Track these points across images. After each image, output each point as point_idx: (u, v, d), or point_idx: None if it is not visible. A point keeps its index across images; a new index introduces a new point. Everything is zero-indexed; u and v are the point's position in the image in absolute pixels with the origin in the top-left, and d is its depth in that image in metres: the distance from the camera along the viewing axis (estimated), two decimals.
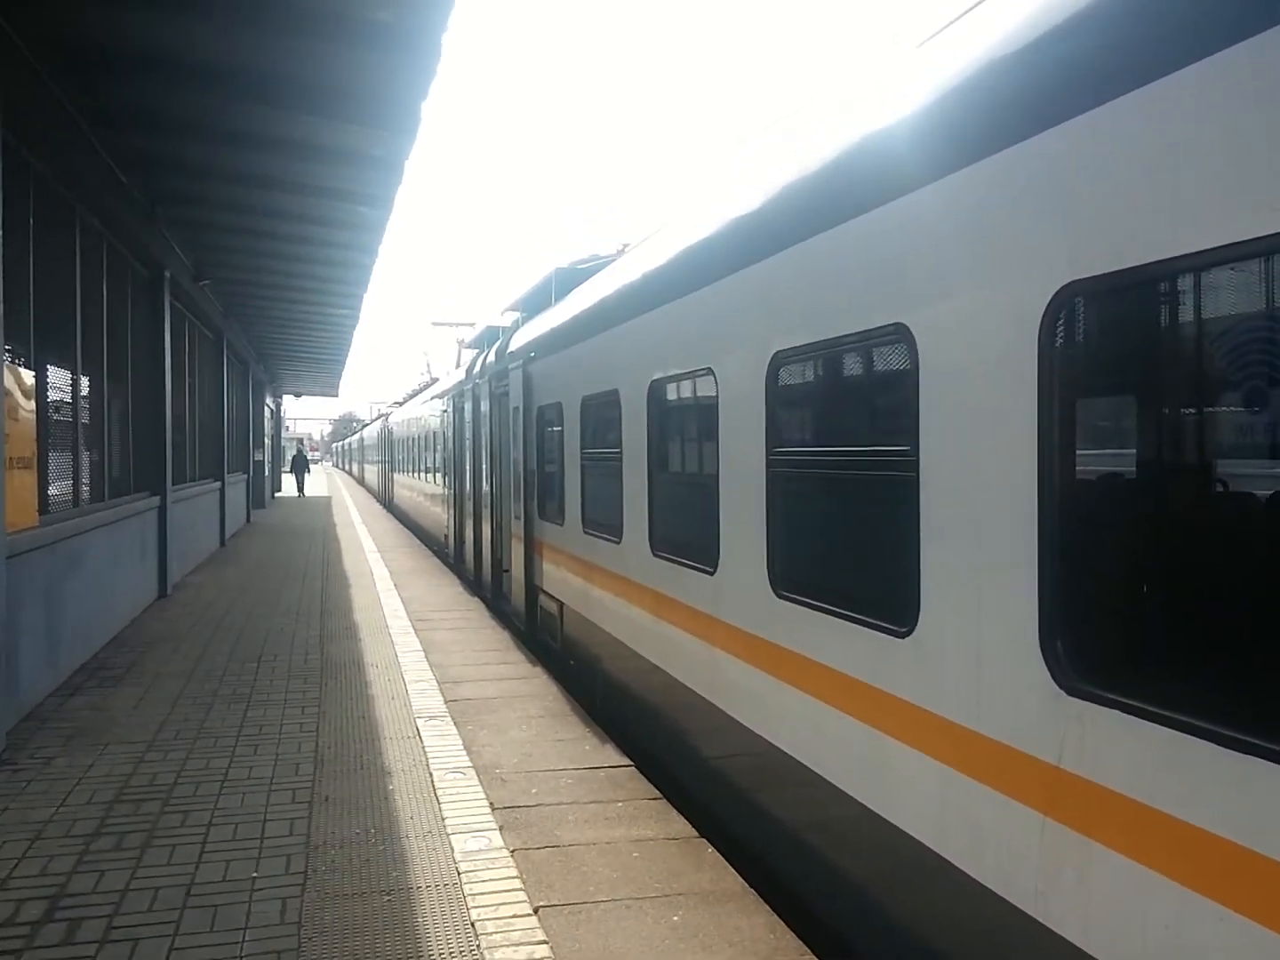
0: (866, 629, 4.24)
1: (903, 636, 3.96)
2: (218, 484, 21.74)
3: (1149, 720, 2.80)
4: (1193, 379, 3.03)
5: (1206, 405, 3.00)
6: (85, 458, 10.93)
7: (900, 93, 4.18)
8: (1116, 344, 3.26)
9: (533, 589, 11.46)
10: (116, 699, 8.62)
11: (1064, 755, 3.11)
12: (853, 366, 4.76)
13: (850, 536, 4.68)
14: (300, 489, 47.58)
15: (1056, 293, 3.13)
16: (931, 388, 3.79)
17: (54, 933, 4.46)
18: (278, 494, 44.58)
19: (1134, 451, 3.18)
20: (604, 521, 8.39)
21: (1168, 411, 3.18)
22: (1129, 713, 2.87)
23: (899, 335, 4.00)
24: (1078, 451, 3.20)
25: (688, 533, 6.53)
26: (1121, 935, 2.89)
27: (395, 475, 35.78)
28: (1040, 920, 3.19)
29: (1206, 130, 2.64)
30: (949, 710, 3.68)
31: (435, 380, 29.58)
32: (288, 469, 50.77)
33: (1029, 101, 3.31)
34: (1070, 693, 3.09)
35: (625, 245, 10.69)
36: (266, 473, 38.84)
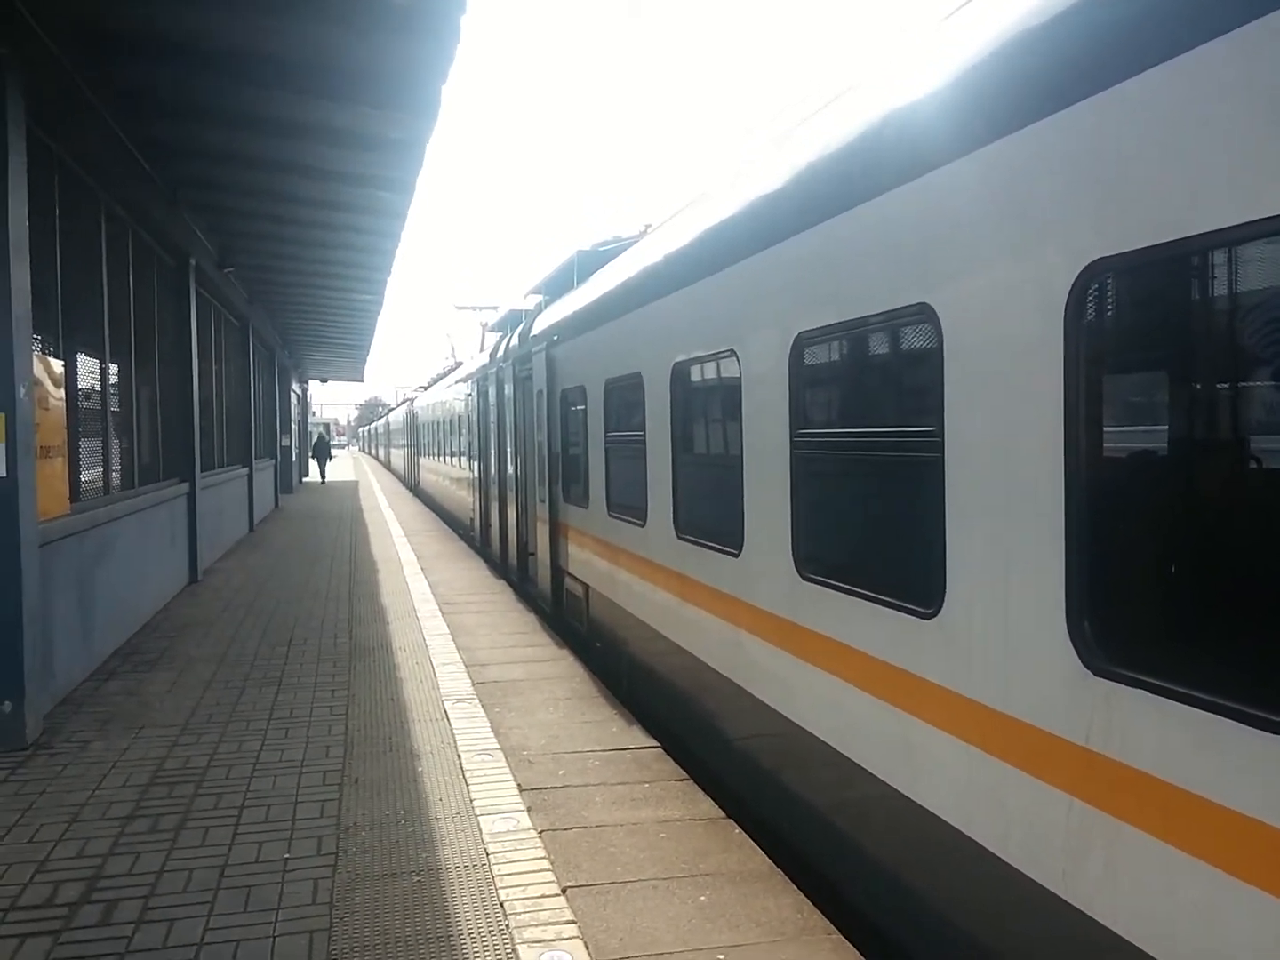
0: (892, 610, 4.22)
1: (929, 618, 3.95)
2: (246, 470, 21.93)
3: (1177, 701, 2.78)
4: (1221, 356, 2.99)
5: (1235, 382, 2.96)
6: (115, 445, 11.04)
7: (924, 68, 4.12)
8: (1144, 321, 3.21)
9: (558, 572, 11.50)
10: (150, 684, 8.74)
11: (1091, 736, 3.09)
12: (877, 347, 4.72)
13: (875, 518, 4.66)
14: (323, 475, 46.10)
15: (1083, 270, 3.09)
16: (956, 367, 3.76)
17: (92, 913, 4.55)
18: (305, 479, 44.76)
19: (1162, 430, 3.14)
20: (628, 504, 8.40)
21: (1196, 389, 3.14)
22: (1157, 693, 2.84)
23: (923, 315, 3.96)
24: (1105, 430, 3.16)
25: (712, 515, 6.52)
26: (1149, 915, 2.88)
27: (421, 459, 35.95)
28: (1068, 900, 3.18)
29: (1236, 103, 2.59)
30: (975, 691, 3.67)
31: (459, 364, 29.65)
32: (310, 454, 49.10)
33: (1054, 75, 3.25)
34: (1098, 674, 3.07)
35: (647, 226, 10.63)
36: (294, 458, 39.03)
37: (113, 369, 11.00)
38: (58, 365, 8.50)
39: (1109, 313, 3.22)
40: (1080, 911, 3.13)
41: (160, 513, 12.66)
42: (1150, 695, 2.87)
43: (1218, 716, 2.64)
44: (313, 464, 48.38)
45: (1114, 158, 2.97)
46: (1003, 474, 3.51)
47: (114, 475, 10.92)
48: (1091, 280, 3.10)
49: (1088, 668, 3.11)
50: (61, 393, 8.54)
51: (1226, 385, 2.98)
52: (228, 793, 6.04)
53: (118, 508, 10.34)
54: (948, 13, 4.25)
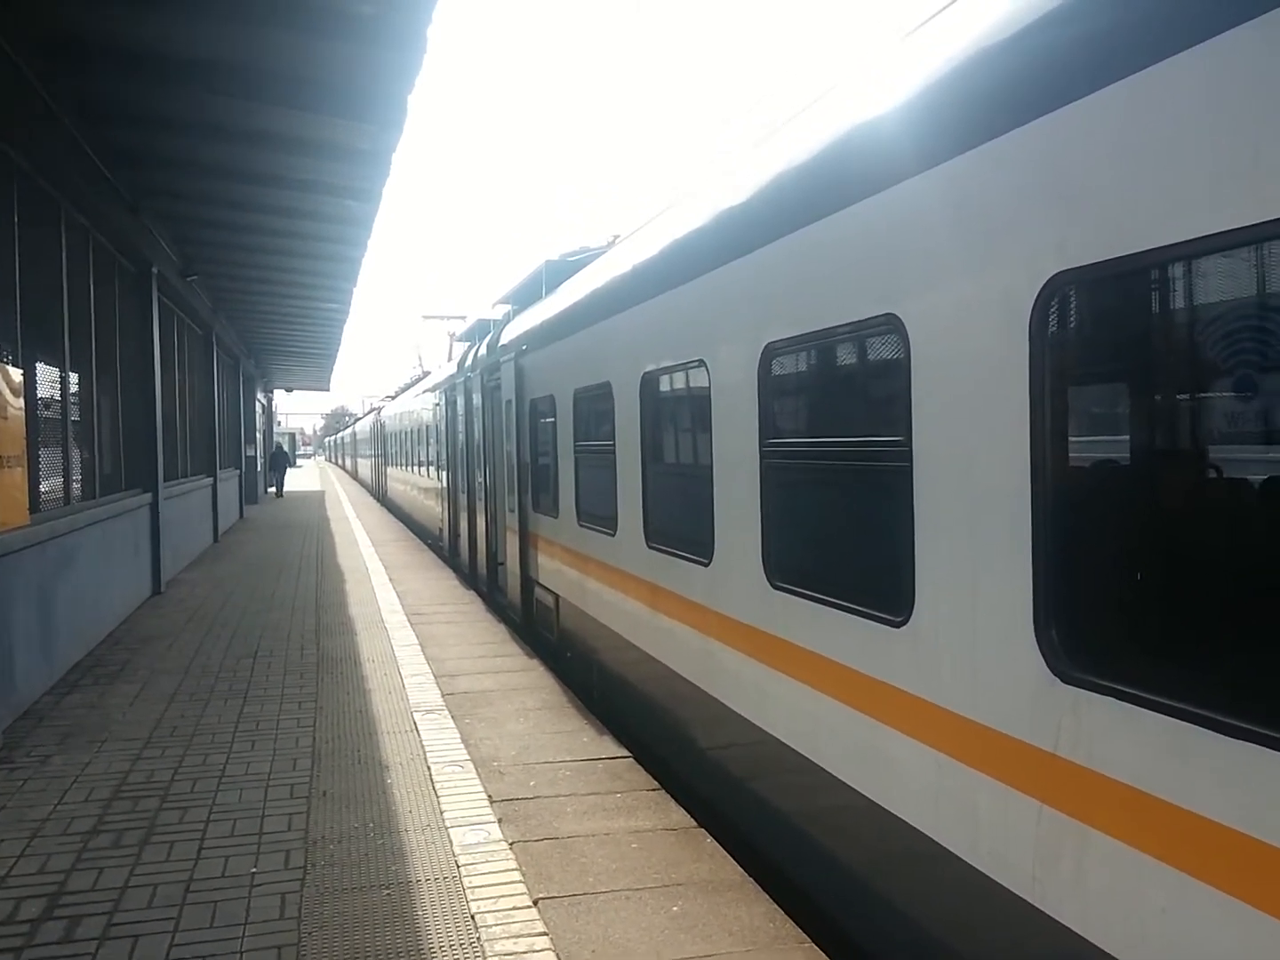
0: (862, 619, 4.25)
1: (898, 626, 3.98)
2: (210, 480, 21.69)
3: (1143, 707, 2.81)
4: (1183, 367, 3.04)
5: (1197, 392, 3.01)
6: (76, 455, 10.89)
7: (889, 83, 4.17)
8: (1107, 333, 3.27)
9: (528, 582, 11.47)
10: (112, 696, 8.61)
11: (1059, 743, 3.13)
12: (845, 357, 4.76)
13: (845, 527, 4.69)
14: (279, 489, 41.62)
15: (1047, 282, 3.14)
16: (924, 378, 3.80)
17: (53, 930, 4.47)
18: (270, 489, 44.20)
19: (1126, 439, 3.19)
20: (598, 514, 8.39)
21: (1159, 399, 3.19)
22: (1123, 700, 2.88)
23: (890, 326, 4.00)
24: (1070, 440, 3.21)
25: (682, 524, 6.54)
26: (1118, 920, 2.91)
27: (388, 469, 35.73)
28: (1037, 906, 3.21)
29: (1195, 118, 2.64)
30: (944, 699, 3.70)
31: (427, 374, 29.53)
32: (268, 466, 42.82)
33: (1017, 91, 3.30)
34: (1065, 680, 3.10)
35: (616, 237, 10.67)
36: (259, 468, 38.56)
37: (73, 378, 10.85)
38: (16, 374, 8.36)
39: (1073, 324, 3.27)
40: (1050, 917, 3.16)
41: (122, 523, 12.49)
42: (1117, 702, 2.90)
43: (1184, 723, 2.68)
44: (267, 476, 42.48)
45: (1076, 171, 3.02)
46: (970, 483, 3.55)
47: (75, 485, 10.76)
48: (1055, 292, 3.14)
49: (1055, 675, 3.14)
50: (21, 402, 8.40)
51: (1189, 396, 3.04)
52: (193, 807, 5.96)
53: (79, 518, 10.19)
54: (910, 29, 4.31)
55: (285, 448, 49.02)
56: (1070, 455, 3.20)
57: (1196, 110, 2.63)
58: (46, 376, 9.86)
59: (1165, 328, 3.06)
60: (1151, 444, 3.18)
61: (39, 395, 9.43)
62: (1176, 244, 2.69)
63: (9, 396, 7.99)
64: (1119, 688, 2.90)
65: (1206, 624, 2.78)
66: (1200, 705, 2.64)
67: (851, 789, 4.35)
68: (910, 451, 3.88)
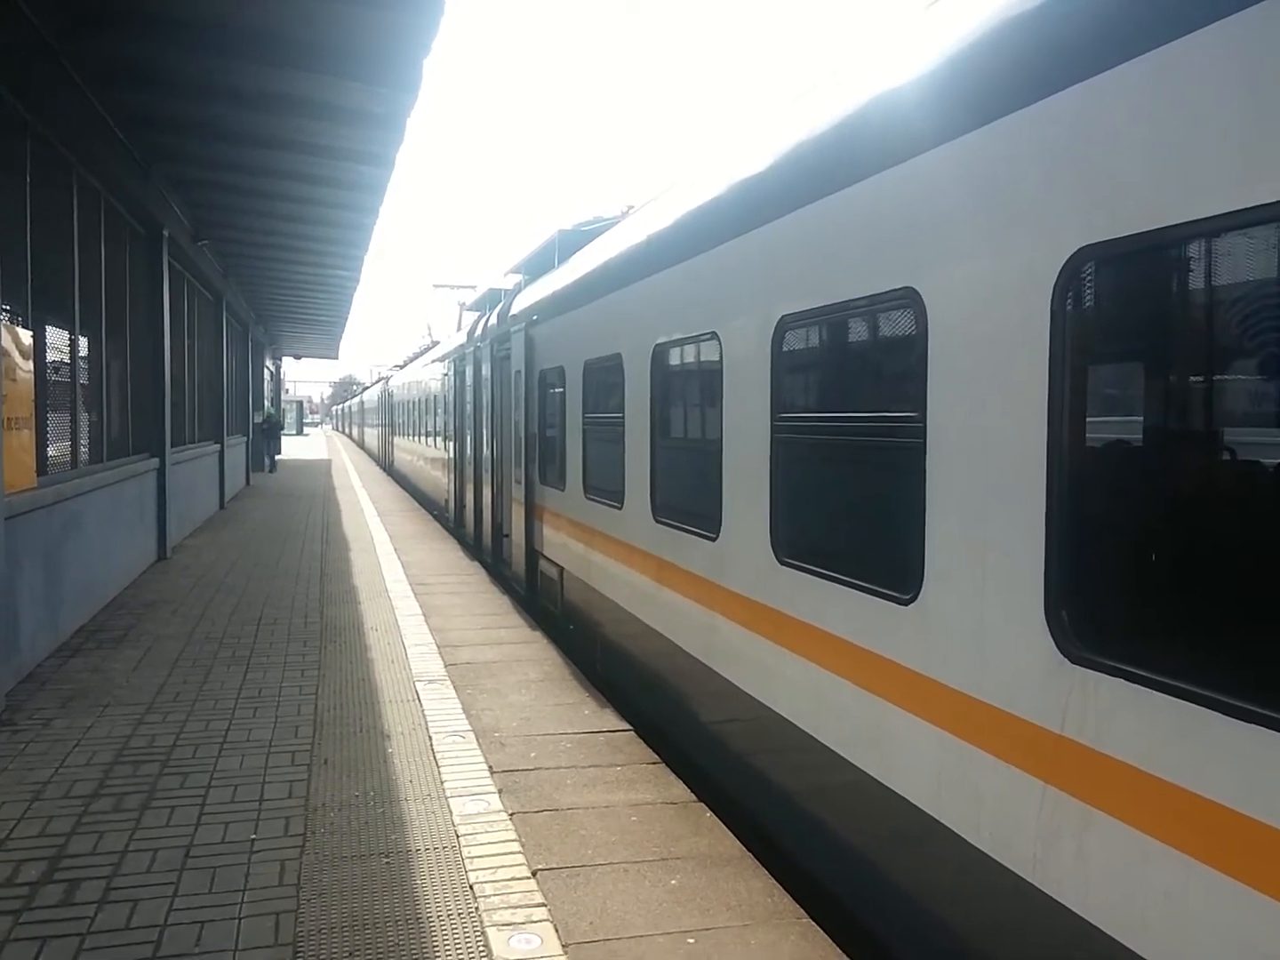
0: (870, 596, 4.21)
1: (906, 604, 3.94)
2: (217, 446, 21.69)
3: (1152, 689, 2.78)
4: (1205, 347, 2.98)
5: (1218, 374, 2.95)
6: (84, 419, 10.87)
7: (912, 54, 4.09)
8: (1130, 310, 3.20)
9: (533, 554, 11.45)
10: (116, 661, 8.62)
11: (1066, 723, 3.09)
12: (860, 331, 4.70)
13: (855, 503, 4.64)
14: (271, 464, 34.96)
15: (1070, 257, 3.07)
16: (941, 353, 3.74)
17: (53, 893, 4.47)
18: (278, 456, 44.05)
19: (1144, 420, 3.13)
20: (605, 487, 8.35)
21: (1180, 379, 3.13)
22: (1132, 681, 2.84)
23: (908, 300, 3.93)
24: (1088, 419, 3.15)
25: (690, 499, 6.49)
26: (1120, 902, 2.89)
27: (395, 439, 35.70)
28: (1038, 886, 3.19)
29: (1224, 93, 2.57)
30: (952, 678, 3.66)
31: (436, 343, 29.42)
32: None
33: (1043, 62, 3.23)
34: (1074, 661, 3.06)
35: (630, 207, 10.56)
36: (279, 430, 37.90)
37: (82, 341, 10.82)
38: (26, 336, 8.33)
39: (1096, 301, 3.20)
40: (1050, 898, 3.13)
41: (129, 488, 12.49)
42: (1126, 683, 2.86)
43: (1193, 705, 2.64)
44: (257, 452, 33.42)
45: (1102, 145, 2.95)
46: (984, 461, 3.49)
47: (82, 449, 10.74)
48: (1079, 267, 3.08)
49: (1064, 655, 3.10)
50: (30, 365, 8.37)
51: (1213, 376, 2.97)
52: (194, 772, 5.97)
53: (85, 482, 10.18)
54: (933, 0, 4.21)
55: (277, 415, 38.86)
56: (1088, 435, 3.14)
57: (1226, 83, 2.56)
58: (56, 339, 9.83)
59: (1190, 305, 2.99)
60: (1170, 425, 3.12)
61: (48, 358, 9.40)
62: (1206, 219, 2.62)
63: (18, 359, 7.96)
64: (1128, 669, 2.86)
65: (1217, 607, 2.73)
66: (1209, 688, 2.60)
67: (855, 766, 4.32)
68: (924, 428, 3.82)
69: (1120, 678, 2.89)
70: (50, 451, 9.41)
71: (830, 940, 4.15)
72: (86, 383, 11.06)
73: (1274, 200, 2.43)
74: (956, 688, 3.63)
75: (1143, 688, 2.81)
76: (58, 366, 9.93)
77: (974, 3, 3.73)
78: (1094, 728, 2.99)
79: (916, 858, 3.93)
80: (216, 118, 10.74)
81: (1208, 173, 2.61)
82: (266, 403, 37.77)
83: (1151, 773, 2.78)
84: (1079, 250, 3.04)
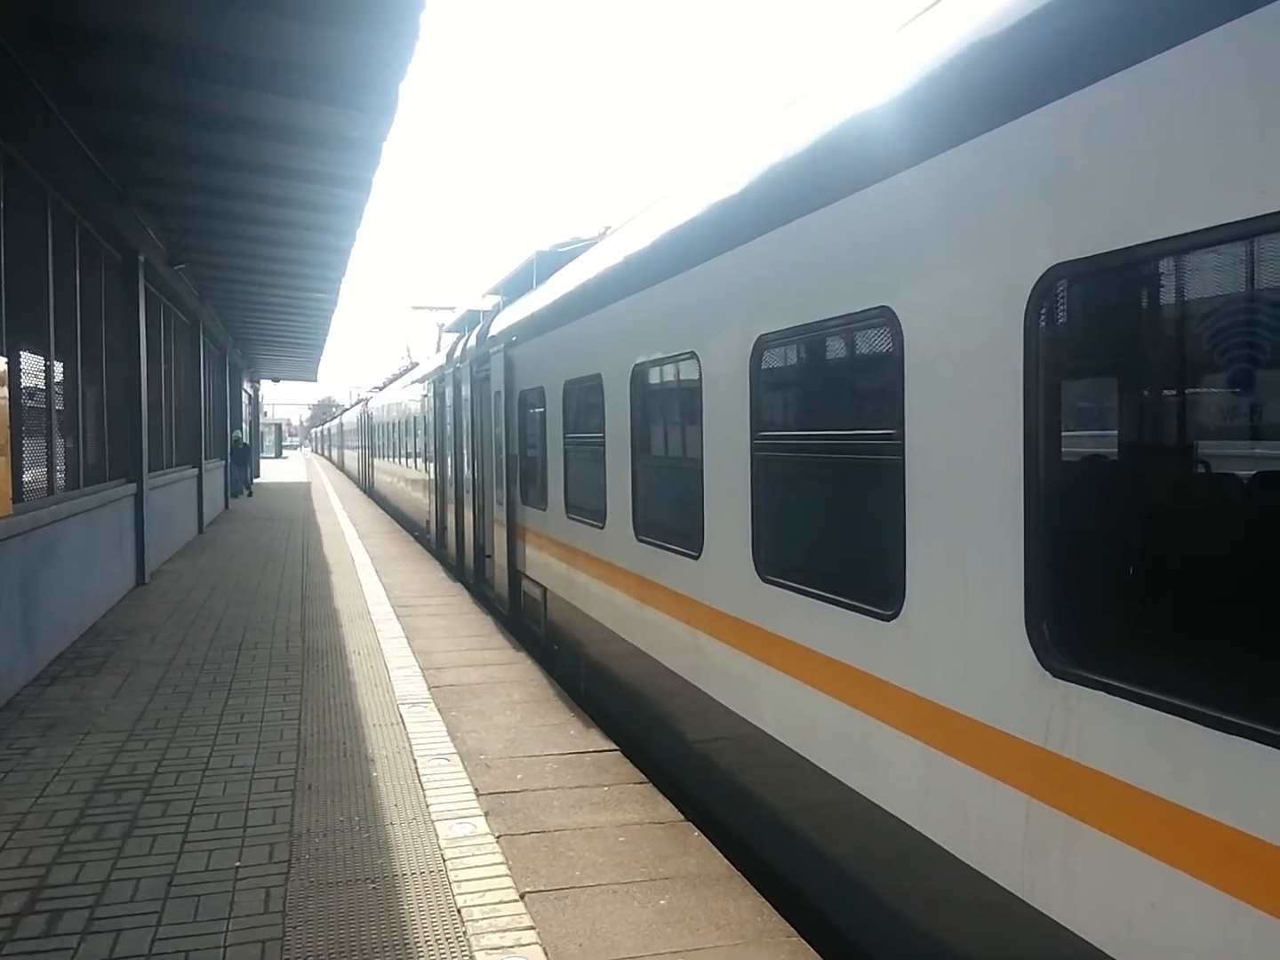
0: (852, 612, 4.24)
1: (888, 620, 3.96)
2: (195, 470, 21.55)
3: (1134, 702, 2.81)
4: (1178, 362, 3.03)
5: (1191, 388, 3.00)
6: (60, 445, 10.78)
7: (883, 76, 4.15)
8: (1102, 327, 3.25)
9: (516, 574, 11.43)
10: (95, 688, 8.54)
11: (1049, 737, 3.12)
12: (837, 350, 4.74)
13: (835, 520, 4.68)
14: (248, 488, 34.07)
15: (1042, 276, 3.12)
16: (917, 371, 3.78)
17: (35, 924, 4.42)
18: (257, 479, 43.72)
19: (1119, 434, 3.18)
20: (587, 506, 8.36)
21: (1153, 394, 3.18)
22: (1114, 694, 2.87)
23: (884, 318, 3.98)
24: (1063, 434, 3.19)
25: (672, 517, 6.51)
26: (1107, 915, 2.91)
27: (375, 460, 35.57)
28: (1026, 900, 3.21)
29: (1193, 112, 2.62)
30: (935, 693, 3.69)
31: (415, 365, 29.39)
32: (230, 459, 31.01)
33: (1013, 83, 3.29)
34: (1056, 675, 3.09)
35: (607, 228, 10.62)
36: (251, 455, 37.86)
37: (58, 367, 10.74)
38: (0, 362, 8.28)
39: (1068, 318, 3.26)
40: (1039, 912, 3.15)
41: (106, 514, 12.39)
42: (1107, 696, 2.90)
43: (1175, 718, 2.67)
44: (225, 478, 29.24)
45: (1072, 165, 3.00)
46: (962, 477, 3.53)
47: (59, 475, 10.66)
48: (1051, 286, 3.13)
49: (1046, 669, 3.13)
50: (4, 391, 8.31)
51: (1185, 390, 3.03)
52: (176, 800, 5.91)
53: (62, 508, 10.10)
54: (904, 22, 4.28)
55: (248, 441, 37.59)
56: (1063, 449, 3.19)
57: (1195, 103, 2.62)
58: (31, 365, 9.75)
59: (1161, 322, 3.05)
60: (1145, 439, 3.17)
61: (22, 384, 9.33)
62: (1174, 237, 2.67)
63: None
64: (1109, 682, 2.89)
65: (1197, 618, 2.77)
66: (1190, 700, 2.63)
67: (840, 783, 4.33)
68: (902, 445, 3.86)
69: (1101, 690, 2.92)
70: (26, 478, 9.32)
71: (820, 958, 4.15)
72: (62, 408, 10.98)
73: (1242, 218, 2.49)
74: (940, 703, 3.66)
75: (1123, 700, 2.84)
76: (33, 392, 9.86)
77: (945, 25, 3.80)
78: (1076, 741, 3.02)
79: (905, 873, 3.94)
80: (191, 141, 10.74)
81: (1177, 191, 2.67)
82: (239, 429, 35.81)
83: (1134, 785, 2.81)
84: (1051, 268, 3.09)
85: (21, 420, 9.14)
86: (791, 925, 4.42)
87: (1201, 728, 2.59)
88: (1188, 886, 2.64)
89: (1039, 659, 3.16)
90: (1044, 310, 3.17)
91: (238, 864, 5.02)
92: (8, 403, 8.43)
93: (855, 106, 4.30)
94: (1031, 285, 3.16)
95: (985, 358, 3.39)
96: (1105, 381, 3.37)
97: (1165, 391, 3.12)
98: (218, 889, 4.75)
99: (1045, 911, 3.13)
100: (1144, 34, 2.77)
